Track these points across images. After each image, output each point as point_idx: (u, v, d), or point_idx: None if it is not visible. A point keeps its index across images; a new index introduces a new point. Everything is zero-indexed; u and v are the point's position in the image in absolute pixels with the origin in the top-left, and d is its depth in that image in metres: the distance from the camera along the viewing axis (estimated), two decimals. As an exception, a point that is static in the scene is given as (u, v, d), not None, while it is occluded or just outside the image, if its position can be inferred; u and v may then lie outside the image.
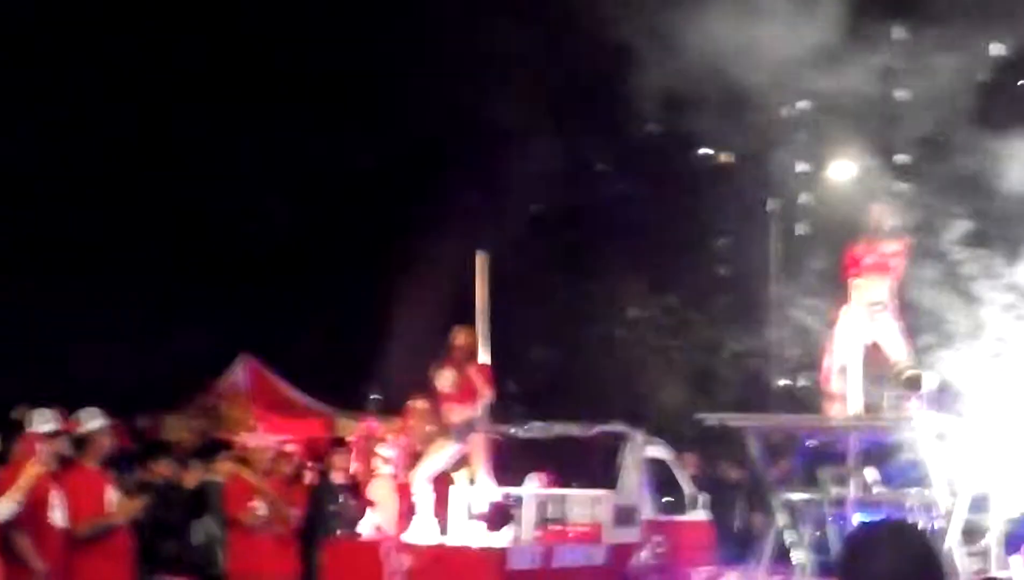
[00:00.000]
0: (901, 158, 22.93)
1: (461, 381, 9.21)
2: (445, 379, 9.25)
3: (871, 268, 9.05)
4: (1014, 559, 7.95)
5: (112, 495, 7.68)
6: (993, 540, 8.21)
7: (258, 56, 21.46)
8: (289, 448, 10.76)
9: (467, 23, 21.43)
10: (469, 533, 9.19)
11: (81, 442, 7.55)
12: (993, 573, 7.84)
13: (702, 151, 25.23)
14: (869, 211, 9.36)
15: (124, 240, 19.72)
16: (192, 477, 9.92)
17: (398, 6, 21.82)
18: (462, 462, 9.41)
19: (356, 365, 17.98)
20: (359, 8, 21.99)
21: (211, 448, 10.84)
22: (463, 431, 9.22)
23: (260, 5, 21.23)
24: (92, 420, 7.61)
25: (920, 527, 2.57)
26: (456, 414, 9.22)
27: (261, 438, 10.34)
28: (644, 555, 10.15)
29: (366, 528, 9.66)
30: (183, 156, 20.55)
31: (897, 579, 2.65)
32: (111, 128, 19.71)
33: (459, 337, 9.34)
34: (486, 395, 9.24)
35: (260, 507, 9.01)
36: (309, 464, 10.84)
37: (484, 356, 9.40)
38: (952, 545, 7.44)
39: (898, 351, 8.95)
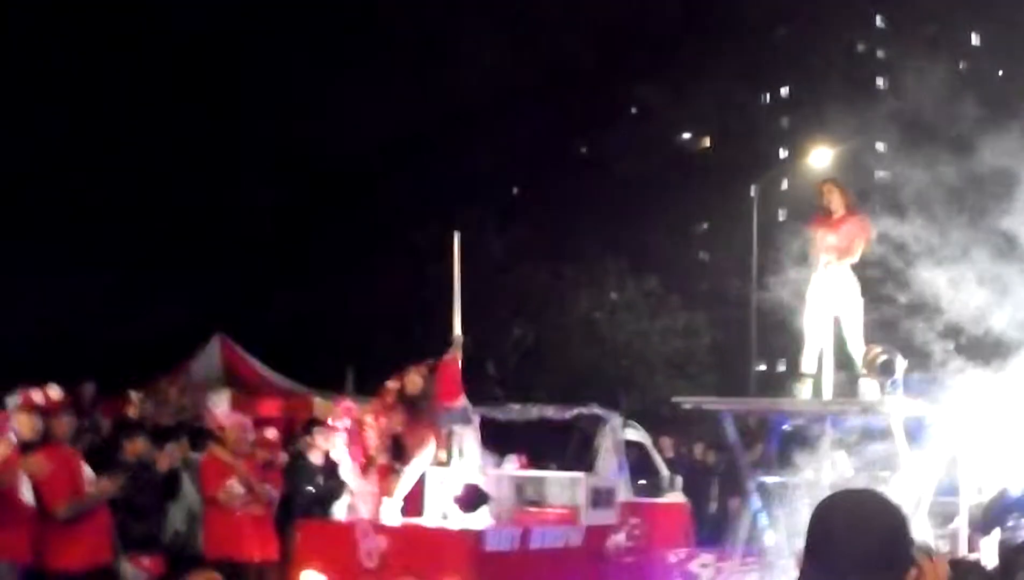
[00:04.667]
0: (880, 145, 23.07)
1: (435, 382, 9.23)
2: (414, 384, 9.30)
3: (833, 248, 9.08)
4: (984, 541, 8.02)
5: (88, 474, 7.66)
6: (962, 522, 8.29)
7: (236, 38, 21.35)
8: (269, 433, 10.72)
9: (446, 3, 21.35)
10: (446, 515, 9.20)
11: (48, 419, 7.51)
12: (962, 555, 7.91)
13: (684, 136, 25.29)
14: (820, 189, 9.37)
15: (102, 219, 19.63)
16: (166, 458, 9.87)
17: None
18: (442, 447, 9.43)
19: (333, 345, 17.97)
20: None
21: (187, 428, 10.79)
22: (449, 417, 9.23)
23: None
24: (55, 395, 7.57)
25: (887, 500, 2.59)
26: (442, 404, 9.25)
27: (238, 418, 10.29)
28: (620, 537, 10.18)
29: (342, 509, 9.64)
30: (161, 136, 20.45)
31: (864, 551, 2.65)
32: (86, 105, 19.58)
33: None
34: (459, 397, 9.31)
35: (236, 486, 8.98)
36: (285, 445, 10.79)
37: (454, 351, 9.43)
38: (921, 527, 7.52)
39: (858, 334, 9.00)
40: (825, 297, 9.04)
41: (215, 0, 20.55)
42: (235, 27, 20.99)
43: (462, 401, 9.30)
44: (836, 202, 9.17)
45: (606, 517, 10.07)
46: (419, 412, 9.30)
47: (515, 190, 26.02)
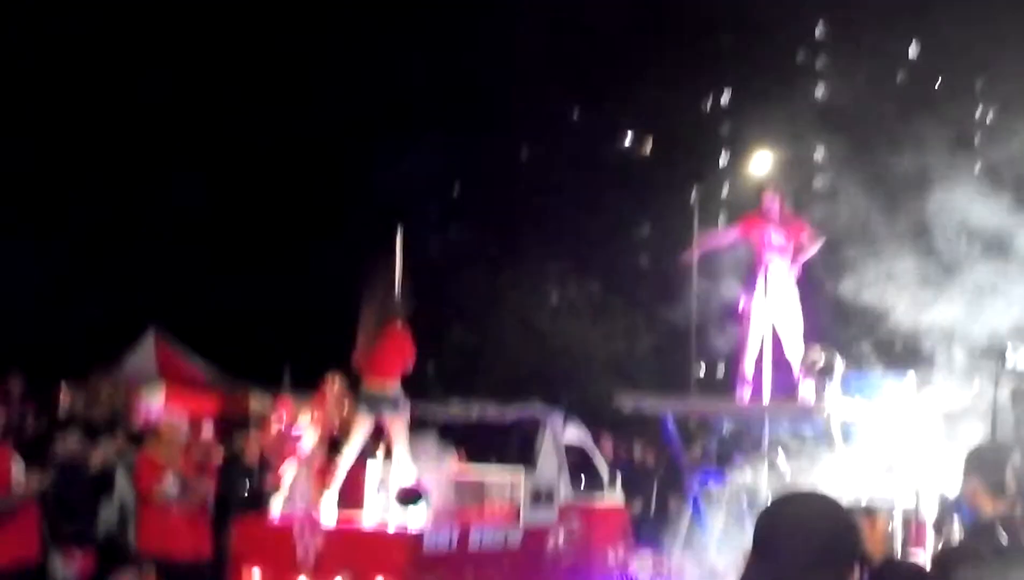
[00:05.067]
0: (820, 153, 23.40)
1: (384, 350, 9.09)
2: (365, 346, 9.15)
3: (775, 250, 9.16)
4: (919, 549, 8.14)
5: (16, 470, 7.46)
6: (898, 524, 8.39)
7: (180, 29, 21.04)
8: (204, 428, 10.56)
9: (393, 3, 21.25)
10: (384, 513, 9.12)
11: None
12: (898, 557, 8.00)
13: (627, 140, 25.41)
14: (761, 195, 9.45)
15: (32, 210, 19.20)
16: (99, 454, 9.68)
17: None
18: (378, 440, 9.33)
19: (271, 341, 17.74)
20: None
21: (120, 424, 10.59)
22: (382, 405, 9.13)
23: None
24: None
25: (834, 501, 2.61)
26: (377, 386, 9.12)
27: (173, 415, 10.11)
28: (560, 537, 10.18)
29: (279, 507, 9.51)
30: (92, 126, 20.05)
31: (809, 551, 2.66)
32: (16, 99, 19.14)
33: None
34: (408, 363, 9.18)
35: (171, 483, 8.83)
36: (221, 442, 10.64)
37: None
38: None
39: (797, 336, 9.09)
40: (765, 299, 9.12)
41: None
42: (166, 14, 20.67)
43: (396, 386, 9.20)
44: (779, 205, 9.25)
45: (546, 517, 10.06)
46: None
47: (456, 190, 25.96)
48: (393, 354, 9.16)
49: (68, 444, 9.37)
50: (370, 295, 9.12)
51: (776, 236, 9.18)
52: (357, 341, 9.16)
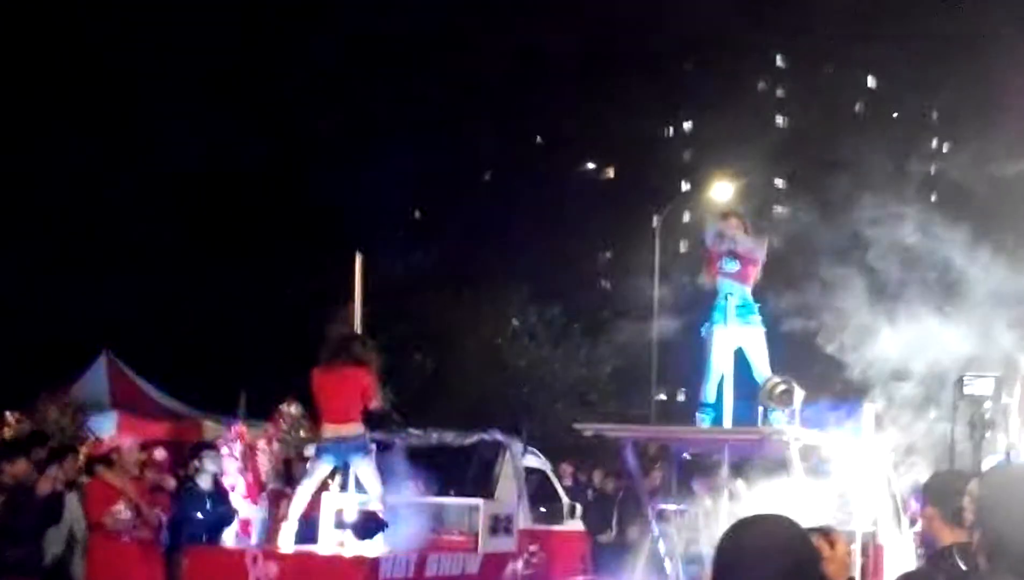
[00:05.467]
0: (780, 181, 23.63)
1: (340, 393, 8.72)
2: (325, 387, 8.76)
3: (732, 275, 9.14)
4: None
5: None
6: (857, 549, 8.38)
7: (143, 51, 20.90)
8: (157, 453, 10.36)
9: (351, 21, 21.22)
10: (340, 541, 8.97)
11: None
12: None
13: (589, 166, 25.55)
14: (723, 222, 9.40)
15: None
16: (47, 481, 9.45)
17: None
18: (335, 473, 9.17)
19: (226, 367, 17.53)
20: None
21: (70, 450, 10.36)
22: (344, 451, 8.80)
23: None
24: None
25: (796, 525, 2.59)
26: (333, 431, 8.78)
27: (126, 441, 9.92)
28: (519, 565, 10.08)
29: (232, 535, 9.34)
30: (47, 142, 19.82)
31: (772, 574, 2.63)
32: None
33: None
34: (368, 403, 8.83)
35: (123, 510, 8.64)
36: (174, 469, 10.45)
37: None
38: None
39: (762, 361, 9.07)
40: (726, 326, 9.10)
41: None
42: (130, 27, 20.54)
43: (358, 428, 8.91)
44: (739, 235, 9.24)
45: (505, 544, 9.96)
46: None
47: (417, 214, 25.90)
48: (350, 396, 8.75)
49: (15, 469, 9.13)
50: (328, 336, 8.72)
51: (730, 263, 9.17)
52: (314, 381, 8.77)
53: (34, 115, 19.71)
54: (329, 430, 8.65)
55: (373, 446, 9.20)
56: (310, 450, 9.10)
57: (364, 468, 8.82)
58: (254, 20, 21.74)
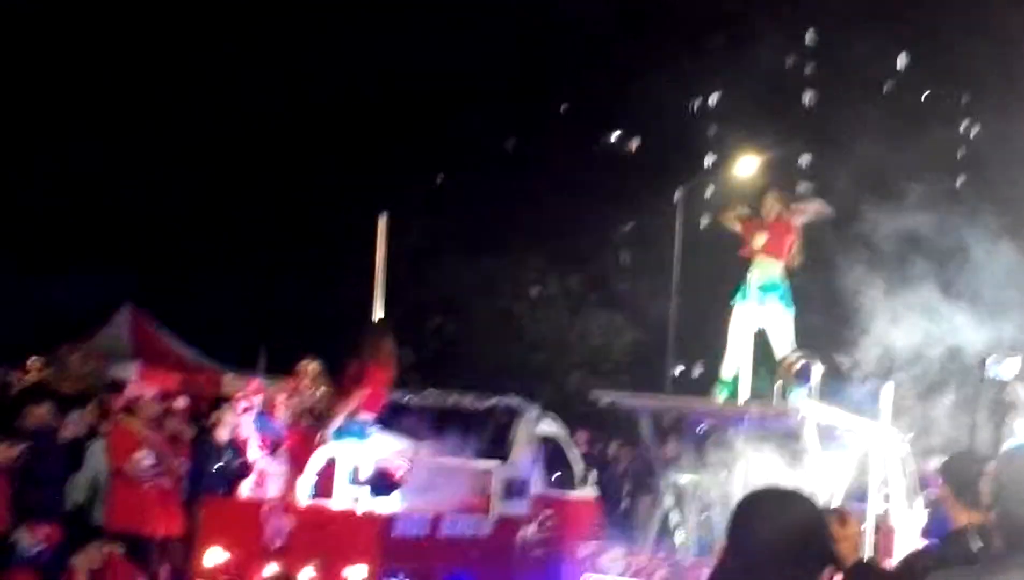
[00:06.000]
0: (805, 157, 23.48)
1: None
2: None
3: (762, 250, 9.13)
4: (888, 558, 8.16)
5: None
6: (869, 529, 8.43)
7: (163, 25, 20.89)
8: (178, 402, 10.48)
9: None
10: (355, 497, 9.07)
11: None
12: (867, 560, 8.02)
13: (612, 137, 25.41)
14: (763, 200, 9.41)
15: (8, 189, 19.05)
16: (71, 426, 9.58)
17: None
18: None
19: (247, 323, 17.66)
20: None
21: (92, 396, 10.49)
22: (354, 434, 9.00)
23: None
24: None
25: (808, 498, 2.63)
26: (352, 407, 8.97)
27: (147, 389, 10.04)
28: (531, 528, 10.17)
29: (248, 488, 9.45)
30: (75, 110, 19.90)
31: (783, 545, 2.67)
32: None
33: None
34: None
35: (145, 458, 8.76)
36: (192, 420, 10.57)
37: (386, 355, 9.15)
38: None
39: (785, 340, 9.06)
40: (746, 303, 9.09)
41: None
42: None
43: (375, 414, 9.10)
44: (776, 211, 9.23)
45: (518, 508, 10.05)
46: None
47: (439, 179, 25.88)
48: (377, 393, 9.02)
49: (38, 413, 9.25)
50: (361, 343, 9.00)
51: (765, 233, 9.14)
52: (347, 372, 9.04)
53: (60, 81, 19.75)
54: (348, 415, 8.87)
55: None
56: (326, 404, 9.22)
57: (379, 435, 8.98)
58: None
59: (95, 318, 15.40)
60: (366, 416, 8.92)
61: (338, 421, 8.85)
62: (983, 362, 8.98)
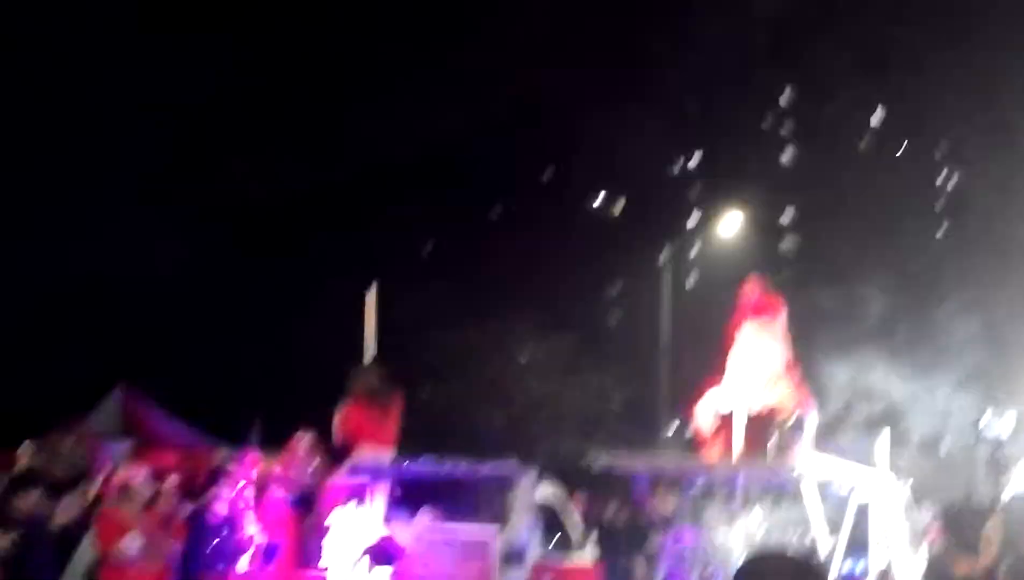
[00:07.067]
0: (786, 217, 23.70)
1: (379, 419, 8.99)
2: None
3: (757, 324, 9.19)
4: None
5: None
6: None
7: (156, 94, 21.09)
8: (169, 482, 10.38)
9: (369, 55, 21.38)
10: (354, 570, 8.98)
11: None
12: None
13: (597, 200, 25.62)
14: (745, 282, 9.49)
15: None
16: (63, 512, 9.45)
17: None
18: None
19: (240, 396, 17.56)
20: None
21: (84, 481, 10.38)
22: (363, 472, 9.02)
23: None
24: None
25: (810, 561, 2.63)
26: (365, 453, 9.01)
27: (138, 471, 9.94)
28: (531, 596, 10.04)
29: (245, 565, 9.35)
30: (71, 171, 19.98)
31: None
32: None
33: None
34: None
35: (134, 541, 8.66)
36: (186, 498, 10.46)
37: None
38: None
39: (783, 399, 9.08)
40: (747, 357, 9.13)
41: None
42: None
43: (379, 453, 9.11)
44: (759, 292, 9.34)
45: (517, 576, 9.93)
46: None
47: (427, 249, 25.99)
48: (390, 428, 9.10)
49: (27, 502, 9.10)
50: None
51: (754, 309, 9.22)
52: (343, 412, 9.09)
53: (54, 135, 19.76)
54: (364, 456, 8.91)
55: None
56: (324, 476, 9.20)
57: (382, 498, 8.94)
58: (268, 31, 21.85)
59: (86, 399, 15.33)
60: (384, 453, 8.95)
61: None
62: (978, 419, 9.02)
